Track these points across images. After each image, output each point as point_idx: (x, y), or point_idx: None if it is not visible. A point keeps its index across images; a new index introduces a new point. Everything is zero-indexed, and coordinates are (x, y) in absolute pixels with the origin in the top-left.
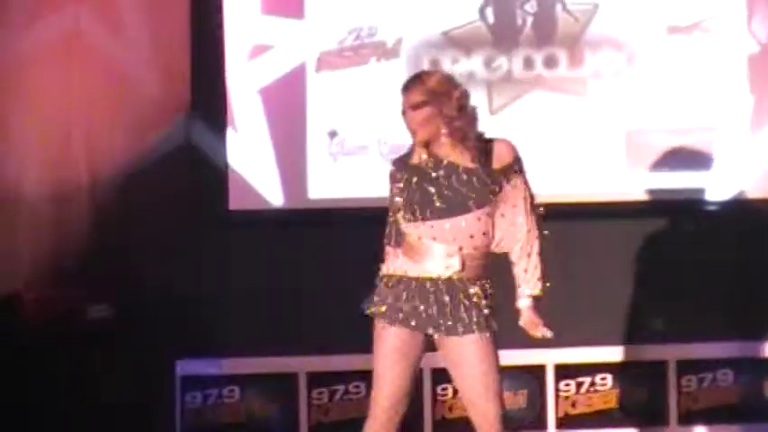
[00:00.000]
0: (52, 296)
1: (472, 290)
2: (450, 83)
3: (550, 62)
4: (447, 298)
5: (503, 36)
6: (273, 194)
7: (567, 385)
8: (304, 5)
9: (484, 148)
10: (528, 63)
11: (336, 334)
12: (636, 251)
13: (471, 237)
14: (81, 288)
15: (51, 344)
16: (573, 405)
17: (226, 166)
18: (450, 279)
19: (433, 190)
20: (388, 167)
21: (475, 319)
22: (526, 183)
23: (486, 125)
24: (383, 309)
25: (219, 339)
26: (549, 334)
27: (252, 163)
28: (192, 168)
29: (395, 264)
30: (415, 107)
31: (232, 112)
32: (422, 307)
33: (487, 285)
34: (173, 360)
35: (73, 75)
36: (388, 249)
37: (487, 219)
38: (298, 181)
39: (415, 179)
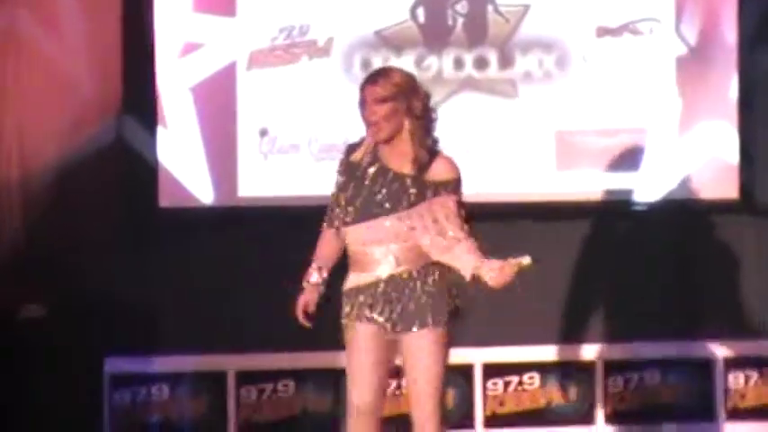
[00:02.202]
0: None
1: (425, 284)
2: (415, 81)
3: (481, 63)
4: (395, 296)
5: (433, 36)
6: (204, 192)
7: (495, 384)
8: (236, 4)
9: (428, 156)
10: (458, 63)
11: (266, 332)
12: (566, 252)
13: (396, 236)
14: (12, 287)
15: None
16: (501, 404)
17: (156, 163)
18: (397, 276)
19: (366, 191)
20: (318, 166)
21: (425, 316)
22: (459, 203)
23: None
24: (352, 317)
25: (148, 337)
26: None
27: (182, 160)
28: (122, 165)
29: (351, 277)
30: (382, 101)
31: (163, 110)
32: (380, 308)
33: (438, 274)
34: (101, 357)
35: (6, 71)
36: (327, 232)
37: (410, 218)
38: (228, 179)
39: (354, 179)
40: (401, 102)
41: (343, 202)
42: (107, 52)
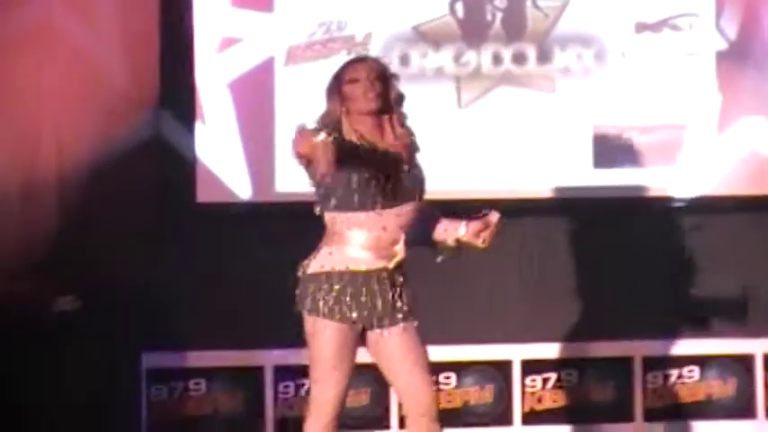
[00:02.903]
0: (19, 288)
1: (402, 275)
2: (390, 69)
3: (519, 58)
4: (389, 289)
5: (472, 31)
6: (241, 187)
7: (534, 381)
8: None
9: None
10: (497, 59)
11: (303, 327)
12: (603, 249)
13: (410, 225)
14: (48, 280)
15: (17, 336)
16: (539, 401)
17: (194, 158)
18: (393, 269)
19: (383, 178)
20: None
21: (407, 308)
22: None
23: (455, 119)
24: (324, 307)
25: (186, 332)
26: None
27: (220, 156)
28: (160, 161)
29: (331, 259)
30: (377, 78)
31: (201, 105)
32: (365, 301)
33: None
34: (138, 353)
35: (43, 67)
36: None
37: (419, 209)
38: (266, 174)
39: (363, 161)
40: (387, 86)
41: (354, 186)
42: (144, 48)
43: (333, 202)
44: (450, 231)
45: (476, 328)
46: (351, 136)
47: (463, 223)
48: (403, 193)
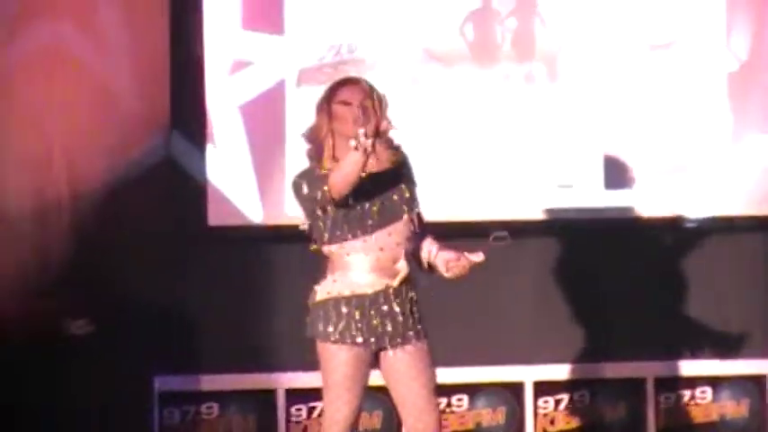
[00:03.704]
0: (32, 311)
1: (412, 295)
2: (376, 88)
3: (530, 78)
4: (398, 307)
5: (482, 52)
6: (253, 210)
7: (546, 402)
8: (284, 21)
9: (400, 155)
10: (507, 79)
11: (315, 350)
12: (615, 268)
13: (408, 240)
14: (61, 303)
15: (30, 359)
16: (552, 422)
17: (205, 181)
18: (398, 287)
19: (367, 200)
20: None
21: (419, 326)
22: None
23: (469, 140)
24: (335, 332)
25: (198, 355)
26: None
27: (231, 178)
28: (171, 183)
29: (336, 286)
30: (363, 104)
31: (212, 128)
32: (376, 323)
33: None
34: (151, 376)
35: (54, 89)
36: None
37: (413, 220)
38: (277, 197)
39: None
40: (373, 107)
41: (341, 213)
42: (155, 70)
43: (325, 236)
44: (425, 252)
45: (488, 350)
46: (328, 163)
47: (435, 247)
48: (390, 211)
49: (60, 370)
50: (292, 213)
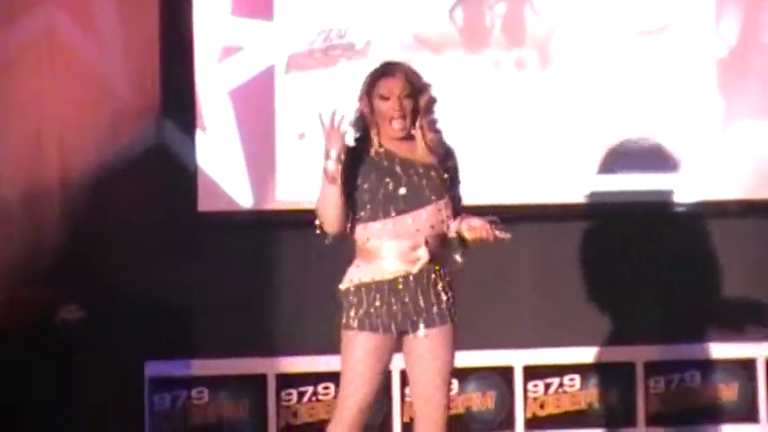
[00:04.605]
0: (22, 297)
1: (440, 281)
2: (422, 76)
3: (520, 64)
4: (419, 293)
5: (472, 38)
6: (243, 196)
7: (536, 386)
8: (273, 7)
9: (441, 144)
10: (497, 65)
11: (305, 335)
12: (605, 253)
13: (432, 227)
14: (52, 289)
15: (21, 345)
16: (541, 406)
17: (195, 167)
18: (419, 273)
19: (390, 185)
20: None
21: (445, 310)
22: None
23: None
24: (355, 319)
25: (189, 341)
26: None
27: (221, 164)
28: (161, 170)
29: (358, 272)
30: (408, 96)
31: (202, 114)
32: (396, 309)
33: (447, 274)
34: (142, 361)
35: (45, 76)
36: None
37: (446, 208)
38: (267, 182)
39: (373, 175)
40: (415, 98)
41: (366, 197)
42: (145, 57)
43: (350, 215)
44: (456, 224)
45: (477, 335)
46: (371, 151)
47: (462, 216)
48: (417, 198)
49: (51, 356)
50: (283, 198)
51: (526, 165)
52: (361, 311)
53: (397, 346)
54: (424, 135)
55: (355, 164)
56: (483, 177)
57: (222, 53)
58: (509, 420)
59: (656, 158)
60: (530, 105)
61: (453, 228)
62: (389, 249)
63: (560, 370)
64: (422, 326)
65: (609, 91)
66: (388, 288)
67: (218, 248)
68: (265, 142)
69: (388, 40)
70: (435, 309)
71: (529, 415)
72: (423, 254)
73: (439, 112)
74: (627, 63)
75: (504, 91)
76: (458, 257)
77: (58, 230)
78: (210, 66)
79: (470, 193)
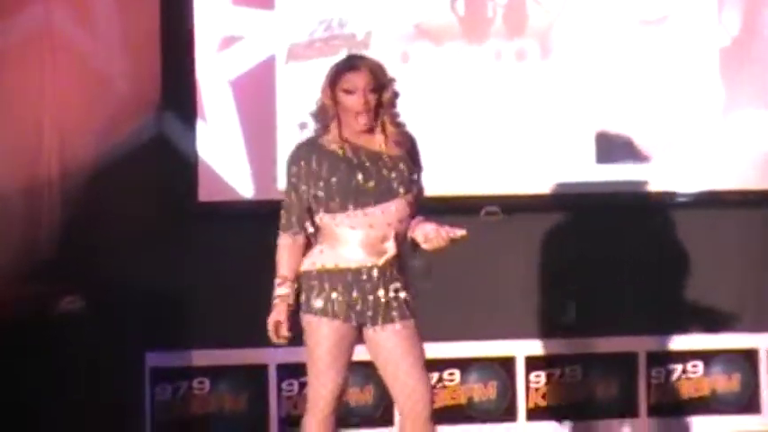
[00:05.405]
0: (22, 289)
1: (399, 276)
2: (386, 69)
3: (521, 54)
4: (381, 287)
5: (473, 28)
6: (243, 186)
7: (538, 377)
8: None
9: (406, 136)
10: (498, 55)
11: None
12: (608, 243)
13: (400, 221)
14: (51, 280)
15: (21, 335)
16: (543, 397)
17: (196, 157)
18: (383, 266)
19: (360, 177)
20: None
21: (405, 308)
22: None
23: (458, 116)
24: (317, 304)
25: (189, 331)
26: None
27: (222, 154)
28: (162, 160)
29: (322, 257)
30: (373, 90)
31: (202, 104)
32: (356, 297)
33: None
34: (142, 352)
35: (44, 68)
36: (287, 239)
37: (411, 203)
38: (268, 172)
39: (342, 166)
40: (379, 92)
41: (335, 189)
42: (145, 47)
43: (319, 206)
44: (410, 229)
45: (479, 325)
46: (334, 144)
47: (415, 221)
48: (386, 190)
49: (51, 347)
50: (283, 187)
51: (527, 155)
52: (322, 297)
53: (359, 339)
54: (384, 129)
55: (319, 159)
56: (483, 168)
57: (222, 43)
58: (511, 410)
59: (656, 148)
60: (530, 96)
61: (410, 229)
62: (356, 238)
63: (562, 360)
64: (381, 321)
65: (610, 81)
66: (351, 277)
67: (219, 239)
68: (266, 132)
69: (389, 29)
70: (396, 306)
71: (531, 405)
72: (390, 247)
73: (439, 102)
74: (628, 53)
75: (504, 81)
76: (415, 262)
77: (58, 222)
78: (211, 55)
79: (471, 184)
